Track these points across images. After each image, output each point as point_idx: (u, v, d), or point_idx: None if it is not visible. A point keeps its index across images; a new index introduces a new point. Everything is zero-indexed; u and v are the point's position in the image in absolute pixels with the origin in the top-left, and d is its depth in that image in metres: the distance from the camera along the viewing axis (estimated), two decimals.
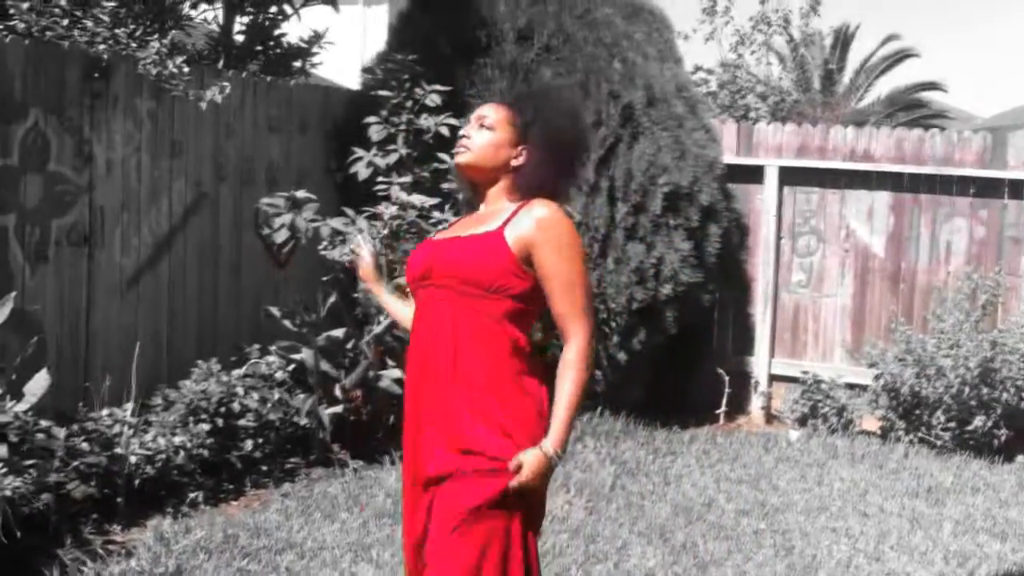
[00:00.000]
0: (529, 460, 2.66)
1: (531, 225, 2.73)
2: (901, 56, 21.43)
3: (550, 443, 2.69)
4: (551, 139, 2.86)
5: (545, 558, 4.67)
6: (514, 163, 2.86)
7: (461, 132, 2.92)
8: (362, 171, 6.58)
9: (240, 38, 7.30)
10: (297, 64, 7.59)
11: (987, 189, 7.33)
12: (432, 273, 2.81)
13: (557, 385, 2.72)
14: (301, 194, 6.01)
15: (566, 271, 2.73)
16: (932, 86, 21.10)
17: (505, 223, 2.76)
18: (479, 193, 2.94)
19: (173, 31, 6.24)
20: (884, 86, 25.15)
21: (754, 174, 7.82)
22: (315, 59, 7.70)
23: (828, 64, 20.63)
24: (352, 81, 8.71)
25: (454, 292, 2.76)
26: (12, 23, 5.47)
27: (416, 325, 2.87)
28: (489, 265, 2.73)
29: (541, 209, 2.76)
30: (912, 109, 20.78)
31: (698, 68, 16.92)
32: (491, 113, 2.89)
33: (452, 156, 2.98)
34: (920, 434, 7.02)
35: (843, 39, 21.25)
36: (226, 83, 5.83)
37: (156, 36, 5.63)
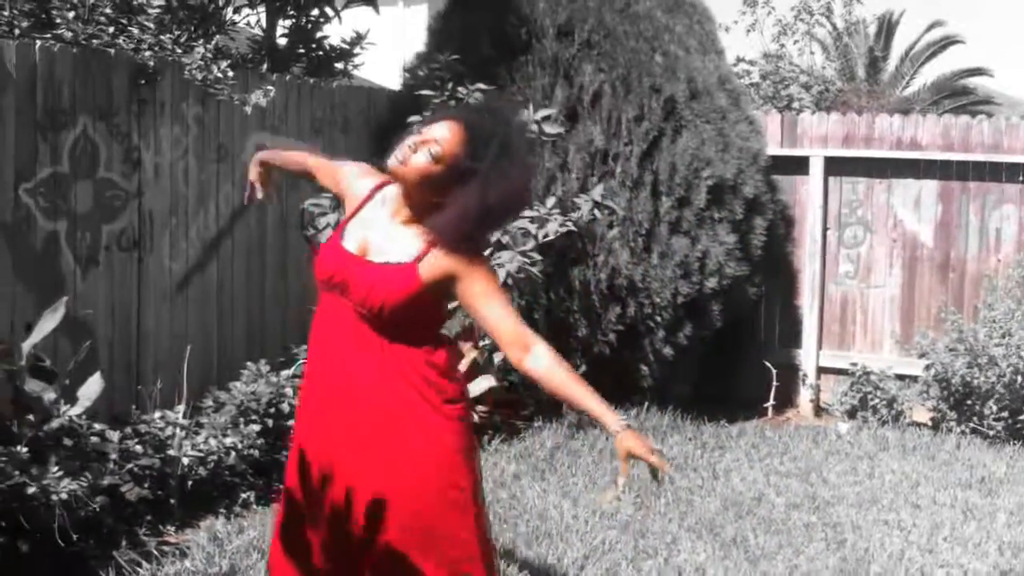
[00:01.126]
0: (630, 441, 2.62)
1: (449, 259, 2.74)
2: (946, 42, 21.15)
3: (614, 419, 2.66)
4: (484, 196, 2.70)
5: (595, 554, 4.68)
6: (435, 200, 2.75)
7: (409, 141, 2.77)
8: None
9: (283, 41, 7.36)
10: (339, 66, 7.64)
11: None
12: (346, 290, 2.79)
13: (566, 383, 2.71)
14: None
15: (495, 291, 2.77)
16: (978, 72, 20.82)
17: (418, 258, 2.75)
18: (401, 196, 2.84)
19: (217, 36, 6.30)
20: (930, 73, 24.84)
21: (799, 165, 7.76)
22: (357, 60, 7.75)
23: (872, 52, 20.41)
24: (392, 81, 8.74)
25: (365, 317, 2.78)
26: (59, 32, 5.56)
27: (319, 322, 2.91)
28: (402, 300, 2.74)
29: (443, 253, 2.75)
30: (958, 96, 20.51)
31: (740, 59, 16.80)
32: (447, 142, 2.73)
33: (391, 159, 2.83)
34: (972, 424, 6.93)
35: (887, 26, 21.01)
36: (271, 87, 5.88)
37: (201, 41, 5.69)
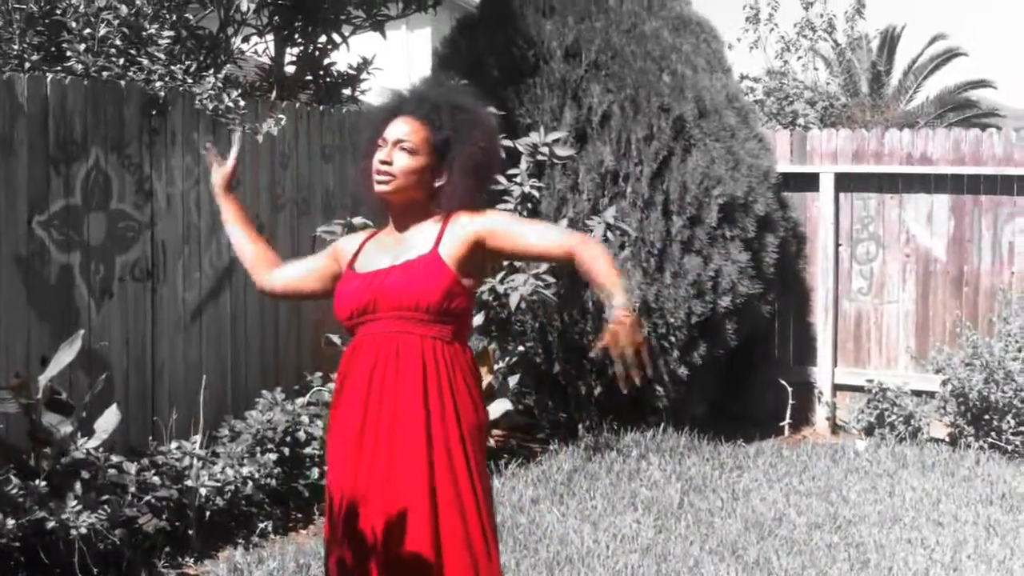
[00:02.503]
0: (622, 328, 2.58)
1: (466, 227, 2.79)
2: (949, 56, 21.19)
3: (621, 300, 2.64)
4: (471, 156, 2.83)
5: None
6: (436, 184, 2.84)
7: (379, 157, 2.82)
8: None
9: (290, 69, 7.37)
10: (347, 92, 7.65)
11: None
12: (377, 306, 2.77)
13: (594, 256, 2.73)
14: (358, 220, 6.04)
15: (518, 219, 2.93)
16: (981, 84, 20.84)
17: (436, 244, 2.77)
18: (399, 214, 2.87)
19: (227, 65, 6.31)
20: (933, 87, 24.87)
21: (809, 182, 7.75)
22: (364, 86, 7.75)
23: (876, 67, 20.44)
24: None
25: (400, 320, 2.76)
26: (69, 64, 5.57)
27: (359, 360, 2.82)
28: (434, 288, 2.74)
29: (464, 215, 2.82)
30: (962, 109, 20.52)
31: (744, 77, 16.83)
32: (410, 134, 2.82)
33: (378, 183, 2.84)
34: (990, 439, 6.89)
35: (890, 41, 21.06)
36: (281, 115, 5.88)
37: (211, 71, 5.69)
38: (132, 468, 4.87)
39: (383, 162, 2.81)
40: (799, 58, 20.09)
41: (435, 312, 2.75)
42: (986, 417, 6.90)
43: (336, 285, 2.92)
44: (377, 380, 2.78)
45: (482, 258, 2.86)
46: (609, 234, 6.41)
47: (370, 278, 2.81)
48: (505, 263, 6.19)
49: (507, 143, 6.47)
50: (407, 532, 2.72)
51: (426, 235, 2.83)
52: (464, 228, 2.81)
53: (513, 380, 6.42)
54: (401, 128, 2.84)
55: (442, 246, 2.79)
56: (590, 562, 4.83)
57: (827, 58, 20.54)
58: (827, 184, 7.68)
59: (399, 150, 2.81)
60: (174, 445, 5.30)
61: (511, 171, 6.34)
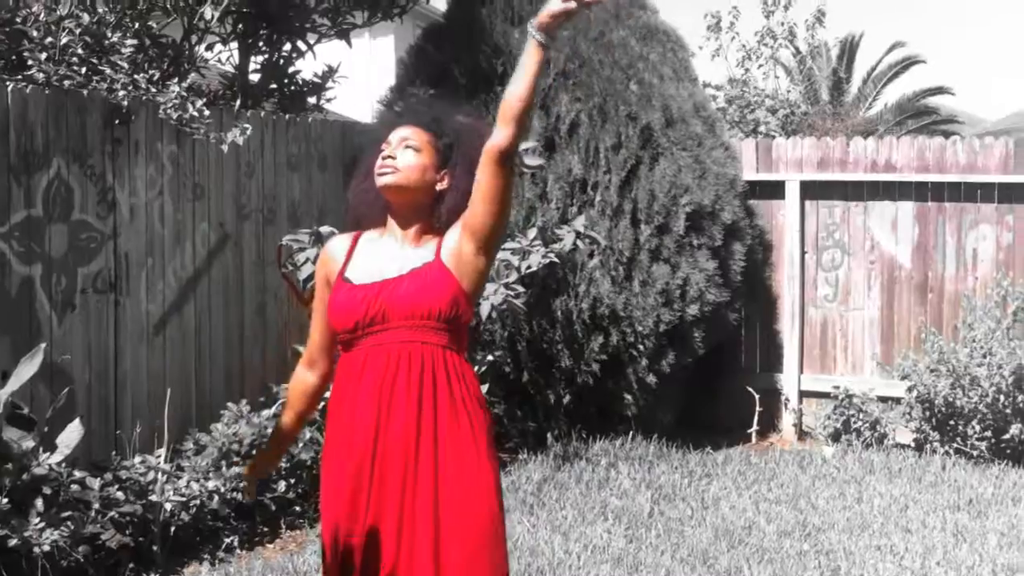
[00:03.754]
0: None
1: (452, 232, 2.77)
2: (907, 63, 21.41)
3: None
4: (474, 162, 2.77)
5: None
6: (439, 187, 2.81)
7: (384, 152, 2.78)
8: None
9: (255, 77, 7.30)
10: (312, 100, 7.60)
11: (1012, 194, 7.27)
12: (387, 316, 2.70)
13: (518, 78, 2.60)
14: (325, 229, 5.98)
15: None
16: (940, 91, 21.07)
17: (438, 253, 2.75)
18: (399, 216, 2.81)
19: (192, 74, 6.24)
20: (892, 94, 25.13)
21: (775, 190, 7.78)
22: (329, 94, 7.71)
23: (836, 74, 20.62)
24: (361, 114, 8.69)
25: (412, 330, 2.69)
26: (30, 73, 5.48)
27: (368, 374, 2.71)
28: (445, 296, 2.70)
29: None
30: (921, 116, 20.75)
31: (706, 85, 16.90)
32: (414, 135, 2.80)
33: (380, 175, 2.77)
34: (956, 445, 6.94)
35: (849, 49, 21.25)
36: (247, 125, 5.81)
37: (176, 80, 5.62)
38: (95, 484, 4.79)
39: (387, 156, 2.77)
40: (760, 66, 20.25)
41: (444, 320, 2.70)
42: (951, 423, 6.94)
43: (331, 297, 2.81)
44: (386, 393, 2.68)
45: (475, 253, 2.75)
46: (579, 242, 6.39)
47: (377, 288, 2.73)
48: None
49: None
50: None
51: (427, 245, 2.79)
52: (452, 233, 2.79)
53: (482, 389, 6.37)
54: (405, 131, 2.81)
55: (443, 254, 2.75)
56: (562, 573, 4.81)
57: (788, 66, 20.70)
58: (793, 192, 7.72)
59: (403, 148, 2.78)
60: (138, 459, 5.22)
61: None
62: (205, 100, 5.72)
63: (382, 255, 2.80)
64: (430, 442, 2.67)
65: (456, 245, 2.75)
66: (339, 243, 2.91)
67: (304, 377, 2.98)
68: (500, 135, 2.61)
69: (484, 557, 2.67)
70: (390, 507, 2.67)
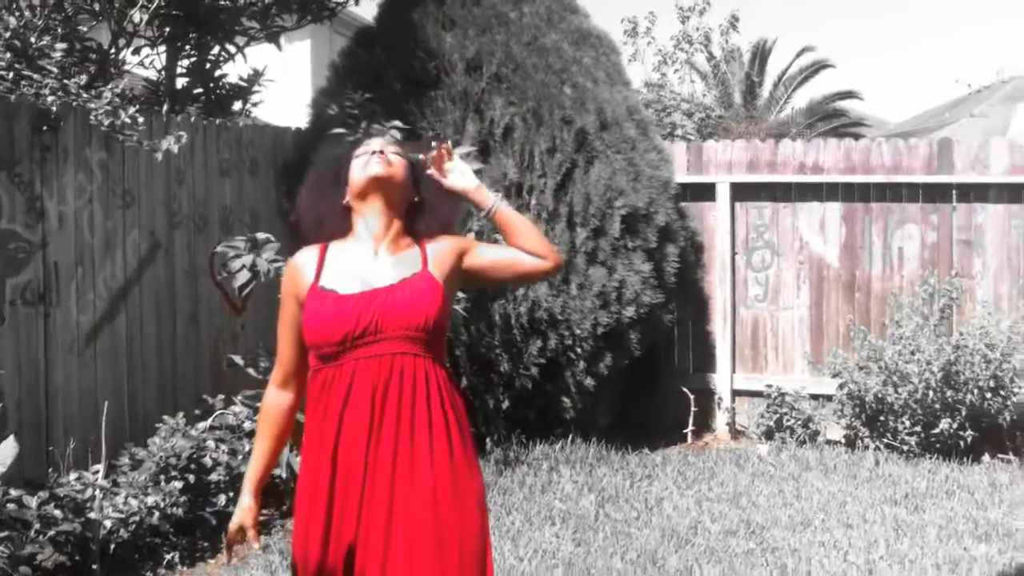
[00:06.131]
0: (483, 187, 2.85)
1: (446, 244, 2.80)
2: (817, 67, 21.81)
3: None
4: (432, 202, 2.86)
5: None
6: (414, 199, 2.83)
7: (372, 148, 2.78)
8: (297, 215, 6.45)
9: (181, 81, 7.14)
10: (237, 105, 7.46)
11: (936, 194, 7.45)
12: (380, 326, 2.62)
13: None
14: (261, 236, 5.87)
15: (480, 243, 2.91)
16: (848, 95, 21.51)
17: (425, 263, 2.74)
18: (380, 215, 2.75)
19: (123, 80, 6.07)
20: (803, 97, 25.62)
21: (706, 192, 7.86)
22: (255, 98, 7.58)
23: (749, 78, 20.93)
24: (278, 119, 8.54)
25: (403, 341, 2.63)
26: None
27: (357, 388, 2.63)
28: (435, 306, 2.68)
29: (443, 238, 2.84)
30: (831, 118, 21.16)
31: None
32: (391, 144, 2.86)
33: (375, 164, 2.76)
34: (886, 440, 7.07)
35: (761, 54, 21.59)
36: (182, 132, 5.67)
37: (108, 86, 5.46)
38: (33, 502, 4.62)
39: (377, 152, 2.77)
40: (676, 71, 20.49)
41: (434, 331, 2.66)
42: (882, 419, 7.08)
43: (308, 307, 2.70)
44: (378, 407, 2.61)
45: (458, 278, 2.79)
46: None
47: (368, 298, 2.65)
48: None
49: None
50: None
51: (410, 254, 2.75)
52: (444, 247, 2.78)
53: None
54: (381, 141, 2.83)
55: (431, 266, 2.73)
56: None
57: (702, 71, 20.97)
58: (723, 194, 7.81)
59: (388, 151, 2.80)
60: (74, 476, 5.05)
61: None
62: (137, 107, 5.56)
63: (359, 264, 2.73)
64: (426, 454, 2.62)
65: (449, 263, 2.76)
66: (306, 255, 2.81)
67: (279, 400, 2.83)
68: (546, 265, 2.83)
69: (478, 570, 2.64)
70: (381, 520, 2.60)
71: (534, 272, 2.85)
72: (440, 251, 2.77)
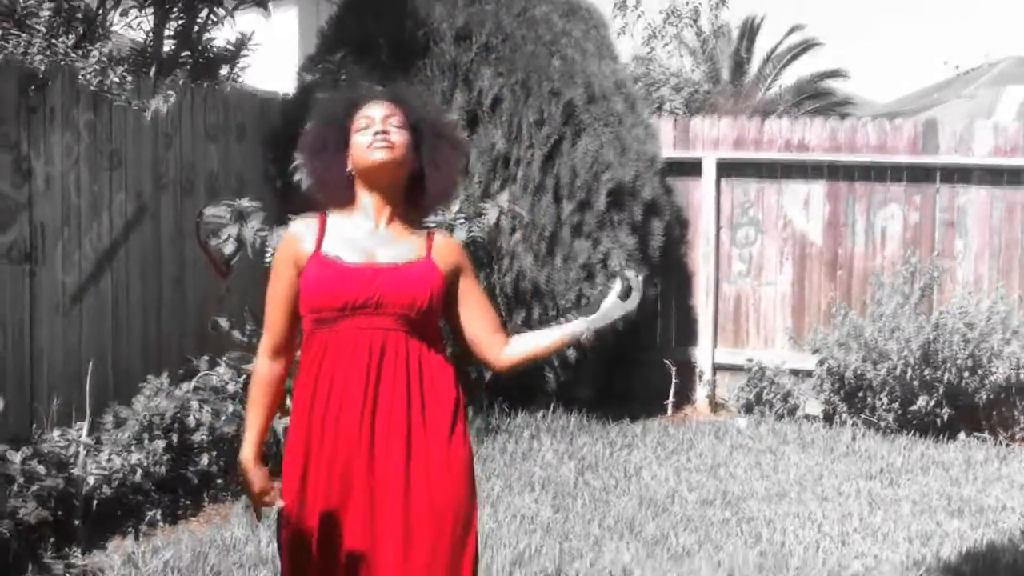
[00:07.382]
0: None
1: (455, 252, 2.83)
2: (806, 46, 21.81)
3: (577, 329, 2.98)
4: (443, 140, 2.82)
5: (521, 559, 4.66)
6: (415, 167, 2.77)
7: (373, 130, 2.70)
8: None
9: (168, 44, 7.12)
10: (225, 70, 7.44)
11: (920, 175, 7.52)
12: (381, 301, 2.65)
13: (535, 349, 2.93)
14: (247, 203, 5.87)
15: (483, 293, 2.90)
16: (836, 74, 21.52)
17: (429, 253, 2.76)
18: (384, 194, 2.75)
19: (110, 41, 6.06)
20: (790, 76, 25.62)
21: (692, 168, 7.91)
22: (242, 63, 7.56)
23: (737, 54, 20.94)
24: (265, 85, 8.52)
25: (399, 319, 2.67)
26: None
27: (354, 356, 2.68)
28: (435, 294, 2.71)
29: (452, 239, 2.88)
30: (818, 97, 21.18)
31: None
32: (394, 110, 2.73)
33: (379, 149, 2.69)
34: (864, 416, 7.16)
35: (750, 30, 21.57)
36: (171, 92, 5.67)
37: (95, 46, 5.46)
38: (17, 458, 4.66)
39: (380, 132, 2.69)
40: (665, 45, 20.44)
41: (426, 313, 2.69)
42: (860, 395, 7.16)
43: (309, 273, 2.71)
44: (373, 378, 2.66)
45: (449, 282, 2.79)
46: (503, 219, 6.40)
47: (372, 272, 2.68)
48: None
49: None
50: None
51: (412, 240, 2.77)
52: (452, 253, 2.81)
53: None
54: (382, 108, 2.73)
55: (435, 255, 2.76)
56: (493, 543, 4.83)
57: (691, 46, 20.95)
58: (709, 170, 7.85)
59: (390, 125, 2.71)
60: (57, 433, 5.09)
61: None
62: (126, 68, 5.56)
63: (361, 237, 2.74)
64: (420, 427, 2.69)
65: (449, 267, 2.77)
66: (306, 223, 2.81)
67: (270, 368, 2.85)
68: (502, 363, 2.88)
69: (469, 544, 2.73)
70: (365, 483, 2.67)
71: (482, 359, 2.87)
72: (446, 251, 2.79)
